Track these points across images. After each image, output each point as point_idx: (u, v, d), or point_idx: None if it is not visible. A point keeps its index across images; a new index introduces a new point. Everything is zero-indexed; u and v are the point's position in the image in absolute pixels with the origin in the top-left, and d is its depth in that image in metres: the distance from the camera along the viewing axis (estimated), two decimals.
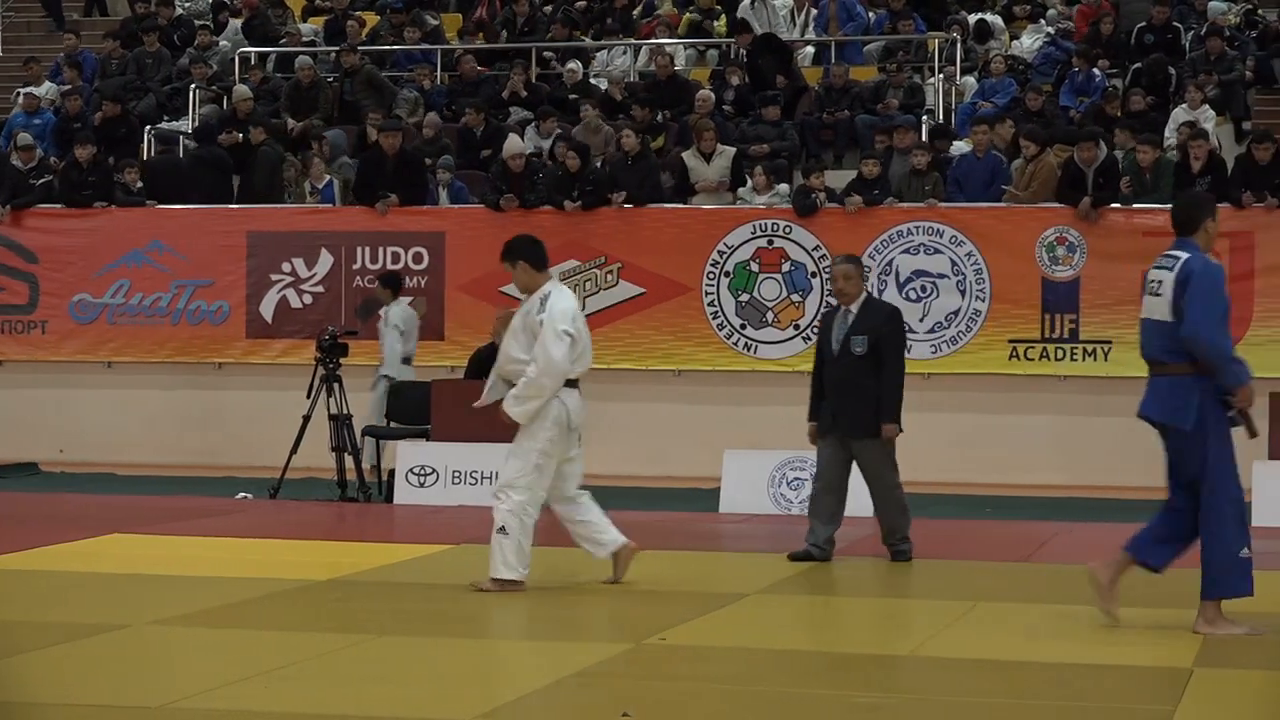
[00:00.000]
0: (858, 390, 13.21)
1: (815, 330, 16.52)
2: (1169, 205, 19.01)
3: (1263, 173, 19.19)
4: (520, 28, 25.73)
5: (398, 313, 18.96)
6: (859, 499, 13.60)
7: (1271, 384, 16.46)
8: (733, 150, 20.96)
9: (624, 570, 12.12)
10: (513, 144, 21.16)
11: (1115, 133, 20.53)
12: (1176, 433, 10.24)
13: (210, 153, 22.46)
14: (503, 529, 11.62)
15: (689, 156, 20.95)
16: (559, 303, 11.69)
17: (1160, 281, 10.30)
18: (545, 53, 25.00)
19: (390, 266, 20.71)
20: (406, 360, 18.96)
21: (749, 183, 20.68)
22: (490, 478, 15.82)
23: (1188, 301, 10.11)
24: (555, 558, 12.19)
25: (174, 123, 24.29)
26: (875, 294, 19.40)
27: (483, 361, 16.71)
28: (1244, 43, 23.75)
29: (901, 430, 13.35)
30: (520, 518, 11.63)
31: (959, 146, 21.35)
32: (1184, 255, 10.30)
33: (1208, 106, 21.47)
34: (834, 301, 13.89)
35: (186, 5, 28.09)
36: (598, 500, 12.17)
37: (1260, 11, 24.63)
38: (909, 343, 19.34)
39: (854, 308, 13.42)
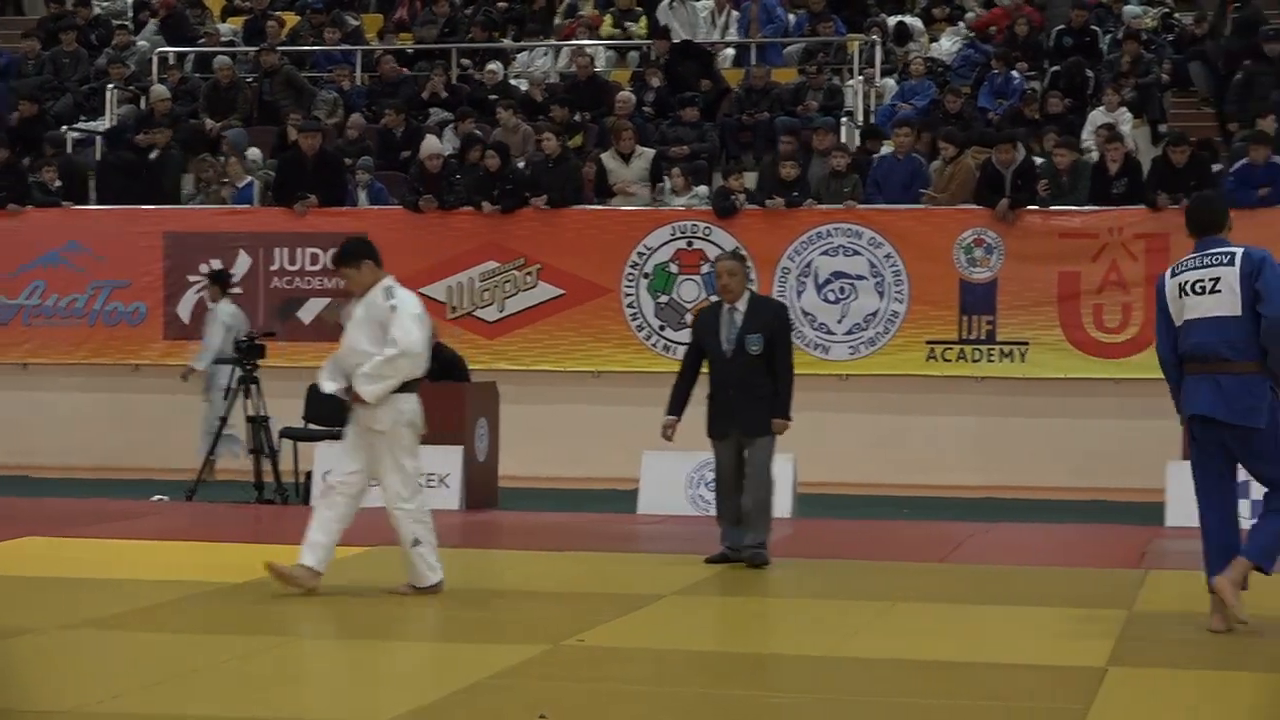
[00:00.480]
0: (756, 389, 13.15)
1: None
2: (1085, 208, 19.50)
3: (1178, 175, 19.29)
4: (441, 29, 25.64)
5: (226, 310, 19.07)
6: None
7: None
8: (652, 152, 20.98)
9: (285, 581, 11.59)
10: (430, 145, 21.12)
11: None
12: (1247, 432, 10.12)
13: (119, 157, 22.29)
14: (416, 541, 11.61)
15: (608, 158, 20.95)
16: (406, 294, 11.77)
17: (1218, 278, 10.15)
18: (463, 60, 24.90)
19: (308, 268, 20.68)
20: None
21: (667, 184, 20.68)
22: None
23: (1265, 286, 10.02)
24: (472, 559, 12.14)
25: (91, 123, 24.11)
26: (795, 296, 19.54)
27: None
28: (1160, 46, 23.92)
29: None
30: (424, 523, 11.65)
31: (886, 148, 21.38)
32: (1238, 248, 10.22)
33: (1125, 109, 21.60)
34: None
35: (105, 5, 27.89)
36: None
37: (1177, 15, 24.81)
38: (828, 344, 19.59)
39: (740, 306, 13.28)
